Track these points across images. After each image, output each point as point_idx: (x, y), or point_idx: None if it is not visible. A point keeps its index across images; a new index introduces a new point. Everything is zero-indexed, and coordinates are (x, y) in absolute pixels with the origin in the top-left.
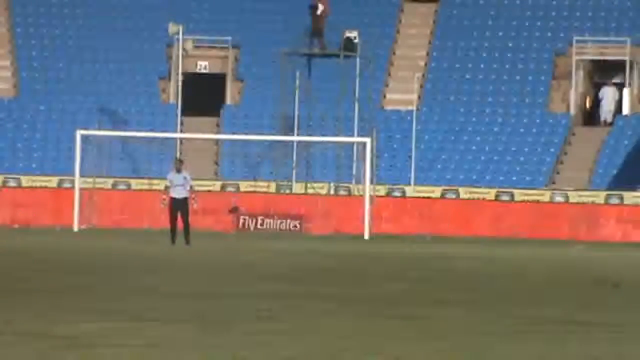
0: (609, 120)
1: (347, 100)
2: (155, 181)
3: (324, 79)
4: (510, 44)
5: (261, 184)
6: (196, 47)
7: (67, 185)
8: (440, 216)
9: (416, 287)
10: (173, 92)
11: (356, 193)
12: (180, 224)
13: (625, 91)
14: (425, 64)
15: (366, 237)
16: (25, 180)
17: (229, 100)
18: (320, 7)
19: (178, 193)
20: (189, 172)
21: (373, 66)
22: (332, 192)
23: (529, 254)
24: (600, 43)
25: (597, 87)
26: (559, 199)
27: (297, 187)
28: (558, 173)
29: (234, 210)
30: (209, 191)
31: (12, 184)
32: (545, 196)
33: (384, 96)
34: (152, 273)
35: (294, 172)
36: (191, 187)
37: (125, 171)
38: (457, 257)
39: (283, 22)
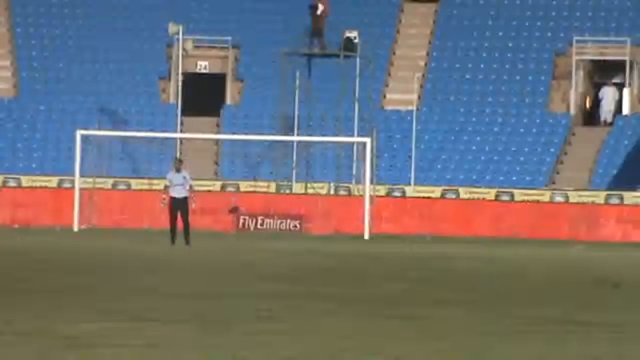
0: (609, 120)
1: (347, 100)
2: (155, 181)
3: (324, 79)
4: (510, 44)
5: (261, 184)
6: (196, 47)
7: (67, 185)
8: (440, 216)
9: (416, 287)
10: (173, 92)
11: (356, 193)
12: (180, 223)
13: (625, 91)
14: (425, 64)
15: (366, 237)
16: (25, 180)
17: (229, 100)
18: (320, 7)
19: (178, 192)
20: (188, 171)
21: (373, 66)
22: (332, 192)
23: (529, 254)
24: (600, 43)
25: (597, 87)
26: (559, 199)
27: (297, 187)
28: (558, 173)
29: (234, 210)
30: (209, 191)
31: (12, 184)
32: (545, 196)
33: (384, 96)
34: (152, 273)
35: (294, 172)
36: (190, 186)
37: (125, 171)
38: (457, 257)
39: (283, 22)
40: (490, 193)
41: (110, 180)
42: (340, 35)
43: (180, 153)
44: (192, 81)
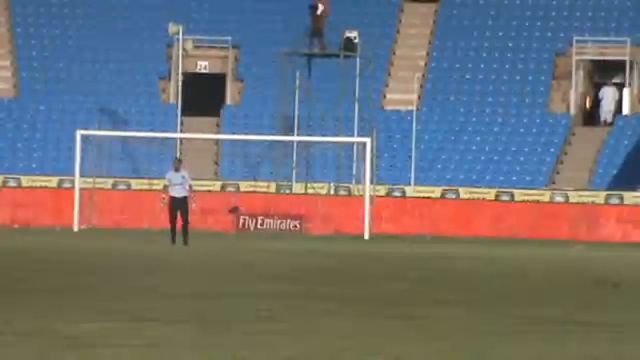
0: (609, 120)
1: (347, 100)
2: (155, 181)
3: (324, 79)
4: (510, 44)
5: (261, 184)
6: (196, 47)
7: (67, 185)
8: (440, 216)
9: (416, 287)
10: (173, 92)
11: (356, 193)
12: (179, 223)
13: (625, 91)
14: (425, 64)
15: (366, 237)
16: (25, 180)
17: (229, 100)
18: (320, 7)
19: (177, 192)
20: (187, 171)
21: (373, 66)
22: (332, 192)
23: (529, 254)
24: (600, 43)
25: (597, 87)
26: (559, 199)
27: (297, 187)
28: (558, 173)
29: (234, 210)
30: (209, 191)
31: (12, 184)
32: (545, 196)
33: (384, 96)
34: (152, 273)
35: (294, 172)
36: (190, 186)
37: (125, 171)
38: (457, 257)
39: (283, 22)
40: (490, 193)
41: (110, 180)
42: (340, 35)
43: (180, 153)
44: (192, 81)
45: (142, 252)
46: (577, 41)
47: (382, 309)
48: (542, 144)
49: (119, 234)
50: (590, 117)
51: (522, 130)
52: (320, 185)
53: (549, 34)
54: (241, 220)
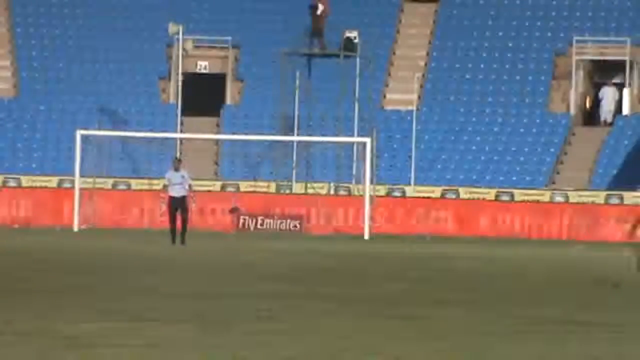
0: (609, 120)
1: (347, 100)
2: (155, 181)
3: (324, 79)
4: (510, 44)
5: (261, 184)
6: (196, 47)
7: (67, 185)
8: (440, 216)
9: (416, 287)
10: (173, 92)
11: (356, 193)
12: (179, 222)
13: (625, 91)
14: (425, 64)
15: (366, 237)
16: (25, 180)
17: (229, 100)
18: (320, 7)
19: (177, 192)
20: (187, 170)
21: (373, 66)
22: (332, 192)
23: (529, 254)
24: (600, 43)
25: (597, 87)
26: (559, 199)
27: (297, 187)
28: (558, 173)
29: (234, 210)
30: (209, 191)
31: (12, 184)
32: (545, 196)
33: (384, 96)
34: (152, 273)
35: (294, 172)
36: (190, 186)
37: (125, 171)
38: (457, 257)
39: (283, 22)
40: (490, 193)
41: (110, 180)
42: (340, 35)
43: (180, 153)
44: (192, 81)
45: (142, 252)
46: (577, 41)
47: (382, 309)
48: (542, 144)
49: (119, 234)
50: (590, 117)
51: (522, 130)
52: (320, 185)
53: (549, 34)
54: (241, 220)
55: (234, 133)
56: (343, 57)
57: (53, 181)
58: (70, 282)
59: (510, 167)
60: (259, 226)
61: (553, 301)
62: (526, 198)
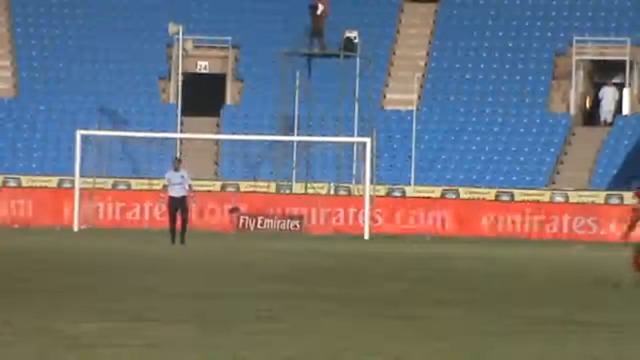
0: (609, 120)
1: (347, 100)
2: (155, 181)
3: (324, 79)
4: (510, 44)
5: (261, 184)
6: (196, 47)
7: (67, 185)
8: (440, 216)
9: (416, 287)
10: (173, 92)
11: (356, 193)
12: (178, 222)
13: (625, 91)
14: (425, 64)
15: (366, 237)
16: (25, 180)
17: (229, 100)
18: (320, 7)
19: (176, 192)
20: (187, 170)
21: (373, 66)
22: (332, 192)
23: (529, 254)
24: (600, 43)
25: (597, 87)
26: (559, 199)
27: (297, 187)
28: (558, 173)
29: (234, 210)
30: (209, 191)
31: (12, 184)
32: (545, 196)
33: (384, 96)
34: (152, 273)
35: (294, 172)
36: (190, 186)
37: (125, 171)
38: (457, 257)
39: (283, 22)
40: (490, 193)
41: (110, 180)
42: (340, 35)
43: (180, 153)
44: (192, 81)
45: (142, 252)
46: (577, 41)
47: (382, 309)
48: (542, 144)
49: (119, 234)
50: (590, 117)
51: (522, 130)
52: (320, 185)
53: (549, 34)
54: (241, 220)
55: (234, 133)
56: (343, 57)
57: (53, 181)
58: (70, 282)
59: (510, 167)
60: (259, 226)
61: (553, 301)
62: (526, 198)
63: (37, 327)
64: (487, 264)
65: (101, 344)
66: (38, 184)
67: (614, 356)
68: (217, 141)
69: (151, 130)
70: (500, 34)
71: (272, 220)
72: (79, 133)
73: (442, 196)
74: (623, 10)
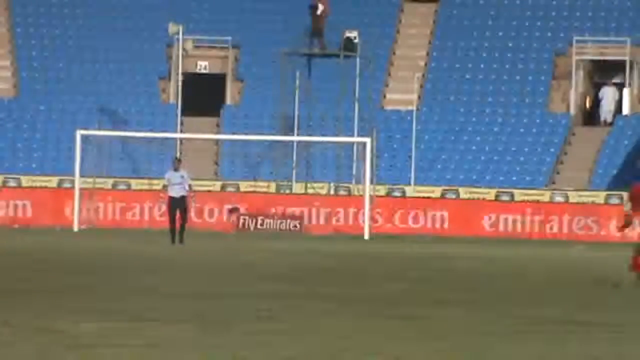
0: (609, 120)
1: (347, 100)
2: (155, 181)
3: (324, 79)
4: (510, 44)
5: (261, 184)
6: (196, 47)
7: (67, 185)
8: (440, 216)
9: (416, 287)
10: (173, 92)
11: (356, 193)
12: (178, 222)
13: (625, 91)
14: (425, 64)
15: (366, 237)
16: (25, 180)
17: (229, 100)
18: (320, 7)
19: (176, 192)
20: (186, 170)
21: (373, 66)
22: (332, 192)
23: (529, 254)
24: (600, 43)
25: (597, 87)
26: (559, 199)
27: (297, 187)
28: (558, 173)
29: (234, 210)
30: (209, 191)
31: (12, 184)
32: (545, 196)
33: (384, 96)
34: (152, 273)
35: (294, 172)
36: (190, 186)
37: (125, 171)
38: (457, 257)
39: (283, 22)
40: (490, 193)
41: (110, 180)
42: (340, 35)
43: (180, 153)
44: (192, 81)
45: (142, 252)
46: (577, 41)
47: (382, 309)
48: (542, 144)
49: (119, 234)
50: (590, 117)
51: (522, 130)
52: (320, 185)
53: (549, 34)
54: (241, 220)
55: (234, 133)
56: (343, 57)
57: (53, 181)
58: (70, 282)
59: (510, 167)
60: (259, 226)
61: (553, 301)
62: (526, 198)
63: (37, 327)
64: (487, 264)
65: (101, 344)
66: (38, 184)
67: (614, 356)
68: (217, 141)
69: (151, 130)
70: (500, 34)
71: (272, 220)
72: (79, 133)
73: (442, 196)
74: (623, 10)
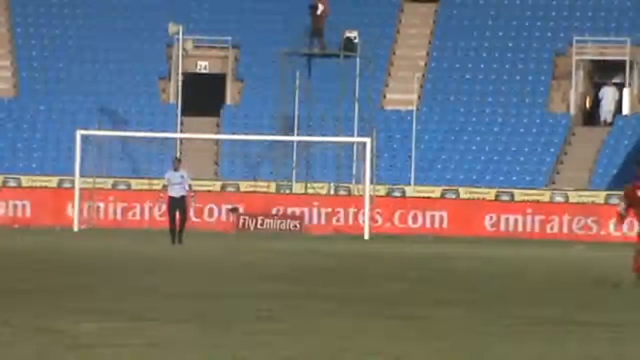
0: (609, 120)
1: (347, 100)
2: (155, 181)
3: (324, 79)
4: (510, 44)
5: (261, 184)
6: (196, 47)
7: (67, 185)
8: (440, 216)
9: (416, 287)
10: (173, 92)
11: (356, 193)
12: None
13: (625, 91)
14: (425, 64)
15: (366, 237)
16: (25, 180)
17: (229, 100)
18: (320, 7)
19: (176, 192)
20: (186, 170)
21: (373, 66)
22: (332, 192)
23: (529, 254)
24: (600, 43)
25: (597, 87)
26: (559, 199)
27: (297, 187)
28: (558, 173)
29: (234, 210)
30: (209, 191)
31: (12, 184)
32: (545, 196)
33: (384, 96)
34: (152, 273)
35: (294, 172)
36: (190, 186)
37: (125, 171)
38: (457, 257)
39: (283, 22)
40: (490, 193)
41: (110, 180)
42: (340, 35)
43: (180, 153)
44: (192, 81)
45: (142, 252)
46: (577, 41)
47: (382, 309)
48: (542, 144)
49: (119, 234)
50: (590, 117)
51: (522, 130)
52: (320, 185)
53: (549, 34)
54: (241, 220)
55: (234, 133)
56: (343, 57)
57: (53, 181)
58: (70, 282)
59: (510, 167)
60: (259, 226)
61: (553, 301)
62: (526, 198)
63: (37, 327)
64: (487, 264)
65: (101, 344)
66: (38, 184)
67: (614, 356)
68: (217, 141)
69: (151, 130)
70: (500, 34)
71: (272, 220)
72: (79, 133)
73: (442, 196)
74: (623, 10)
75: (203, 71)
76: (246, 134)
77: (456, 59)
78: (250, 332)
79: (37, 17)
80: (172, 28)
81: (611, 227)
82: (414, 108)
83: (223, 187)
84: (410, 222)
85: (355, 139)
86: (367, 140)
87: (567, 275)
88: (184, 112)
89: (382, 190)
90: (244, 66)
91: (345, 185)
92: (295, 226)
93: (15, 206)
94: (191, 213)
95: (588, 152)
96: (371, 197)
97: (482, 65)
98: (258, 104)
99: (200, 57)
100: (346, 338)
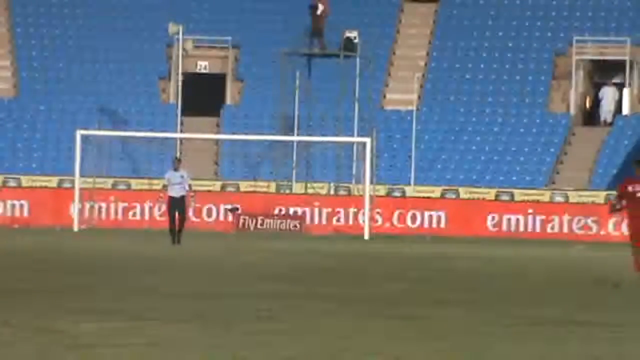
0: (609, 120)
1: (347, 100)
2: (155, 181)
3: (324, 79)
4: (510, 44)
5: (261, 184)
6: (196, 47)
7: (67, 185)
8: (440, 216)
9: (416, 287)
10: (173, 92)
11: (356, 193)
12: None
13: (625, 91)
14: (425, 64)
15: (366, 237)
16: (25, 180)
17: (229, 100)
18: (320, 7)
19: (176, 192)
20: (186, 170)
21: (373, 66)
22: (332, 192)
23: (529, 254)
24: (600, 43)
25: (597, 87)
26: (559, 199)
27: (297, 187)
28: (558, 173)
29: (234, 210)
30: (209, 191)
31: (12, 184)
32: (545, 196)
33: (384, 96)
34: (152, 273)
35: (294, 172)
36: (190, 186)
37: (125, 171)
38: (457, 257)
39: (283, 22)
40: (490, 193)
41: (110, 180)
42: (340, 35)
43: (180, 153)
44: (192, 81)
45: (142, 252)
46: (577, 41)
47: (382, 309)
48: (542, 144)
49: (119, 234)
50: (590, 117)
51: (522, 130)
52: (320, 185)
53: (549, 34)
54: (241, 220)
55: (234, 133)
56: (343, 57)
57: (53, 181)
58: (70, 282)
59: (510, 167)
60: (259, 226)
61: (553, 301)
62: (526, 198)
63: (37, 327)
64: (487, 264)
65: (101, 344)
66: (38, 184)
67: (614, 356)
68: (217, 141)
69: (151, 130)
70: (500, 34)
71: (272, 220)
72: (79, 133)
73: (442, 196)
74: (623, 10)
75: (203, 71)
76: (246, 134)
77: (456, 59)
78: (250, 332)
79: (37, 17)
80: (172, 28)
81: (611, 227)
82: (414, 108)
83: (223, 187)
84: (410, 222)
85: (355, 139)
86: (367, 140)
87: (567, 275)
88: (184, 112)
89: (382, 190)
90: (244, 66)
91: (345, 185)
92: (295, 226)
93: (15, 206)
94: (190, 213)
95: (588, 152)
96: (371, 197)
97: (482, 65)
98: (258, 104)
99: (200, 57)
100: (346, 338)
